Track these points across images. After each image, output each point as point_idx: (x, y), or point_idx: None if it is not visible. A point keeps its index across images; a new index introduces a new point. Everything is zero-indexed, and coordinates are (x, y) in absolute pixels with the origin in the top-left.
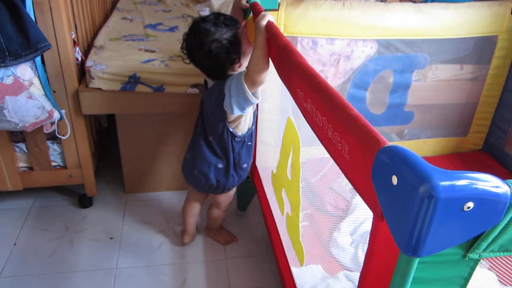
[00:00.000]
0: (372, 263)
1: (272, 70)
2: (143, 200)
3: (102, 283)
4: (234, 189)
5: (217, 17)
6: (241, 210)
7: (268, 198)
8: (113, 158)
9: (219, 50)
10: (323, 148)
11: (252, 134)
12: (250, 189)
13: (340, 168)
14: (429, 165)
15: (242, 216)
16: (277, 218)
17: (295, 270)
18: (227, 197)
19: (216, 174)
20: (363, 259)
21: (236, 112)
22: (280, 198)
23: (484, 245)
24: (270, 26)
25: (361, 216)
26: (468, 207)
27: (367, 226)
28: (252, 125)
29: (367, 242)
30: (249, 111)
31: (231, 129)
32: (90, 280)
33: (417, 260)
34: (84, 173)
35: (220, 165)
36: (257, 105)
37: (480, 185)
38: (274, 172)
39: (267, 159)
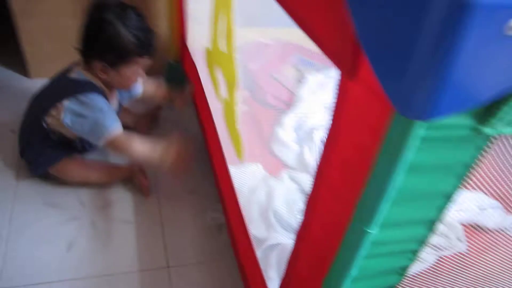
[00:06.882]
0: (339, 146)
1: None
2: None
3: None
4: None
5: (127, 8)
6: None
7: (202, 85)
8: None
9: (87, 25)
10: (261, 30)
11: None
12: (179, 75)
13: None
14: None
15: (171, 110)
16: (213, 107)
17: (233, 170)
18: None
19: None
20: (309, 157)
21: (66, 123)
22: (214, 79)
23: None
24: None
25: (307, 110)
26: None
27: (314, 121)
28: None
29: (314, 140)
30: None
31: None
32: None
33: (422, 127)
34: None
35: None
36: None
37: None
38: (210, 49)
39: (200, 38)
